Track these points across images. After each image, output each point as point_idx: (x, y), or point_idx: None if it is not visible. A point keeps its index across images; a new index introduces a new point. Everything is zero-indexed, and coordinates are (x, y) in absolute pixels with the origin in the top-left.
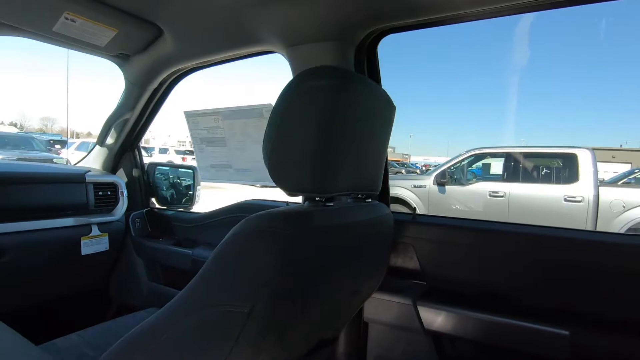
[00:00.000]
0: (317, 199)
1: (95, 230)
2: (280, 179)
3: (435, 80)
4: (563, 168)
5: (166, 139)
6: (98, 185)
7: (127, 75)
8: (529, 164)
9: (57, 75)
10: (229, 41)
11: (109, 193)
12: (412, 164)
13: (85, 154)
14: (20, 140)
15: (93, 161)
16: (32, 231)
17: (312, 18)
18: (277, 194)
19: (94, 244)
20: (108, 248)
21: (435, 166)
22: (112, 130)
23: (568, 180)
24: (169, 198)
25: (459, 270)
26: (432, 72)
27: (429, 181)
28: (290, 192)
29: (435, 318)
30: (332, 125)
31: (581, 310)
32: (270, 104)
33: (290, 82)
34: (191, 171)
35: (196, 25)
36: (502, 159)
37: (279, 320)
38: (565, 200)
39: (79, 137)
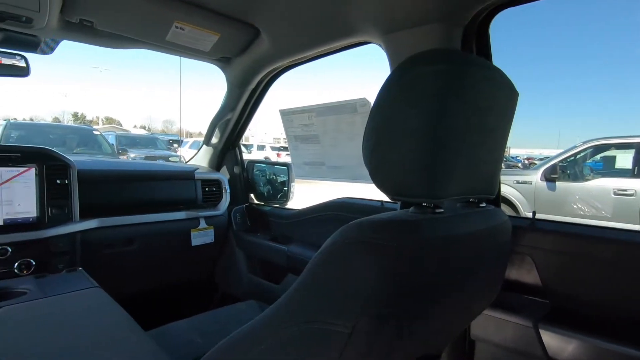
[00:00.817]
0: (424, 204)
1: (202, 224)
2: (382, 182)
3: (549, 61)
4: None
5: (263, 136)
6: (205, 182)
7: (228, 77)
8: None
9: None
10: (324, 35)
11: (214, 189)
12: (512, 157)
13: (196, 151)
14: (148, 141)
15: (201, 159)
16: (153, 223)
17: None
18: (365, 190)
19: (202, 236)
20: (213, 240)
21: (541, 159)
22: (216, 130)
23: None
24: (265, 194)
25: (594, 289)
26: (545, 52)
27: (535, 176)
28: (394, 197)
29: (565, 346)
30: (445, 118)
31: None
32: (364, 99)
33: (395, 71)
34: (286, 168)
35: (292, 22)
36: (633, 151)
37: (382, 341)
38: None
39: (191, 137)
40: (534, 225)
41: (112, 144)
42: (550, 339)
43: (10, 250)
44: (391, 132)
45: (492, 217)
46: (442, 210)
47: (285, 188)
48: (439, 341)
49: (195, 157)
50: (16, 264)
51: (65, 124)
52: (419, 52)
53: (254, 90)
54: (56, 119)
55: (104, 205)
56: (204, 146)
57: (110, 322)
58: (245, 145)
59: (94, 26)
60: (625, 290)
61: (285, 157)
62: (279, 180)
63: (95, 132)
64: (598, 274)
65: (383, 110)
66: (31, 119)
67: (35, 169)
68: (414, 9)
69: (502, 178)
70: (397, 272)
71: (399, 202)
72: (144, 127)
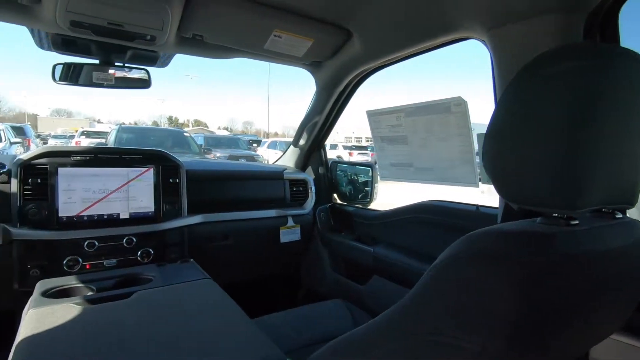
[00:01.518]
0: (555, 215)
1: (290, 222)
2: (507, 189)
3: None
4: None
5: (335, 135)
6: (292, 182)
7: (317, 81)
8: None
9: (254, 89)
10: (419, 34)
11: (300, 189)
12: None
13: (274, 151)
14: (231, 141)
15: (287, 160)
16: (246, 219)
17: None
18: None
19: (289, 233)
20: (300, 238)
21: None
22: (304, 132)
23: None
24: (348, 194)
25: None
26: None
27: None
28: (521, 205)
29: None
30: (587, 120)
31: None
32: (460, 97)
33: (526, 67)
34: (369, 169)
35: (387, 22)
36: None
37: None
38: None
39: (268, 137)
40: None
41: (201, 144)
42: None
43: (135, 240)
44: (520, 136)
45: (633, 229)
46: (578, 222)
47: (368, 189)
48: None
49: (282, 157)
50: (139, 252)
51: (162, 127)
52: (553, 48)
53: (342, 92)
54: (155, 123)
55: (205, 202)
56: (292, 147)
57: (223, 312)
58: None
59: (204, 40)
60: None
61: (357, 157)
62: (361, 181)
63: (185, 134)
64: None
65: (509, 112)
66: (135, 123)
67: (153, 169)
68: None
69: None
70: (533, 291)
71: (498, 207)
72: (226, 128)
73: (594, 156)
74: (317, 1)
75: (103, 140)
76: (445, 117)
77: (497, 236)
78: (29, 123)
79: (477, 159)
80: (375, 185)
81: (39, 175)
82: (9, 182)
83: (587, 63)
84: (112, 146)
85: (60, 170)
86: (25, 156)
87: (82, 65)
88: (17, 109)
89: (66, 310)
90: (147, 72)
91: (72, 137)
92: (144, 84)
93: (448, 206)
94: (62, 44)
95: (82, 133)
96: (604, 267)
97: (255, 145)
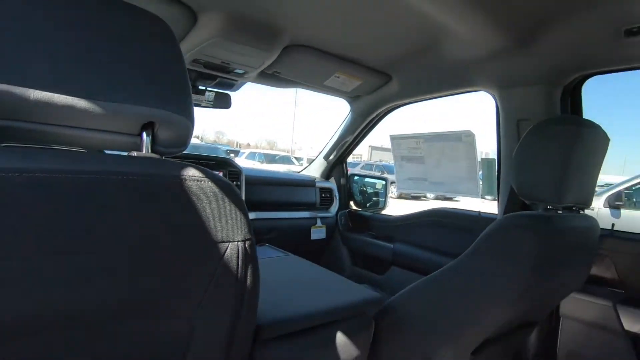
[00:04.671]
0: (549, 207)
1: (319, 223)
2: (525, 190)
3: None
4: None
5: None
6: (322, 189)
7: (354, 109)
8: None
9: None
10: (446, 84)
11: (327, 195)
12: None
13: (252, 161)
14: (211, 150)
15: (315, 170)
16: (286, 218)
17: (526, 65)
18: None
19: (318, 232)
20: (325, 236)
21: (604, 186)
22: (334, 148)
23: None
24: (363, 202)
25: None
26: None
27: (598, 203)
28: (532, 200)
29: (636, 320)
30: (567, 157)
31: None
32: (469, 130)
33: (538, 126)
34: (383, 182)
35: (420, 74)
36: None
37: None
38: None
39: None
40: (613, 234)
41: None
42: (626, 317)
43: None
44: (532, 160)
45: (589, 220)
46: (561, 212)
47: (382, 198)
48: (540, 311)
49: (307, 168)
50: None
51: None
52: (552, 117)
53: (372, 119)
54: None
55: (255, 202)
56: (321, 159)
57: (320, 272)
58: (296, 158)
59: (279, 75)
60: None
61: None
62: (375, 191)
63: None
64: None
65: (530, 145)
66: None
67: (223, 173)
68: (526, 72)
69: None
70: (541, 249)
71: (497, 213)
72: (197, 137)
73: (570, 174)
74: (369, 53)
75: None
76: (457, 145)
77: (525, 216)
78: None
79: (480, 178)
80: (388, 195)
81: None
82: None
83: (567, 128)
84: None
85: None
86: None
87: None
88: None
89: None
90: (229, 95)
91: None
92: (226, 104)
93: (454, 211)
94: None
95: None
96: (574, 238)
97: (233, 155)
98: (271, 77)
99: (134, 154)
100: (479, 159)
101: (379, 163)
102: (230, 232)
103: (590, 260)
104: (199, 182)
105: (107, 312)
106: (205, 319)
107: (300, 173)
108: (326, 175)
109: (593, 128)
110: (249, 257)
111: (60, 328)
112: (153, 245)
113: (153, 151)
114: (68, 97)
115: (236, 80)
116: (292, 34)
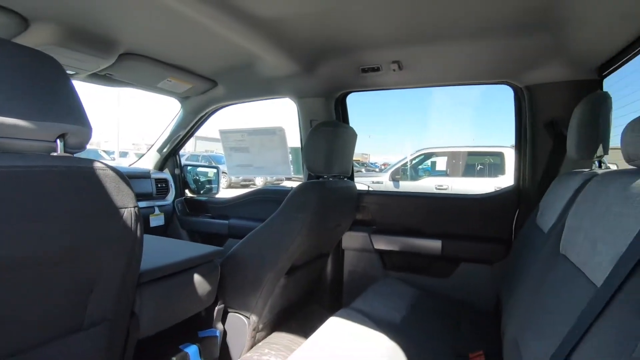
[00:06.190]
0: (325, 176)
1: (157, 211)
2: (310, 167)
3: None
4: (493, 164)
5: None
6: (157, 180)
7: (184, 107)
8: (467, 161)
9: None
10: (262, 91)
11: (163, 185)
12: (371, 164)
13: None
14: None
15: (147, 162)
16: None
17: (312, 83)
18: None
19: (157, 220)
20: (163, 223)
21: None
22: (167, 141)
23: (497, 174)
24: (197, 189)
25: (394, 219)
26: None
27: (385, 177)
28: (315, 173)
29: (380, 242)
30: (330, 145)
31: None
32: (281, 127)
33: (316, 126)
34: (215, 170)
35: (242, 82)
36: (446, 158)
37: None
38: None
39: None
40: (369, 192)
41: None
42: (376, 241)
43: None
44: (313, 148)
45: (348, 183)
46: (330, 180)
47: (215, 185)
48: (328, 243)
49: (139, 161)
50: None
51: None
52: (323, 121)
53: (202, 117)
54: None
55: None
56: (152, 152)
57: (177, 241)
58: (105, 152)
59: (112, 77)
60: (401, 215)
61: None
62: (209, 179)
63: None
64: (396, 211)
65: (313, 138)
66: None
67: None
68: (315, 87)
69: (363, 180)
70: (318, 202)
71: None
72: None
73: (334, 157)
74: (197, 63)
75: None
76: (272, 137)
77: (308, 183)
78: None
79: (290, 161)
80: (221, 181)
81: None
82: None
83: (331, 128)
84: None
85: None
86: None
87: None
88: None
89: None
90: None
91: None
92: None
93: (274, 188)
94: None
95: None
96: (339, 194)
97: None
98: (103, 77)
99: (54, 154)
100: (289, 149)
101: (204, 154)
102: (125, 201)
103: (353, 208)
104: (103, 171)
105: (47, 258)
106: (109, 263)
107: (132, 166)
108: (159, 166)
109: (345, 128)
110: (139, 218)
111: (11, 270)
112: (79, 213)
113: (65, 152)
114: (10, 118)
115: (78, 74)
116: (127, 43)
